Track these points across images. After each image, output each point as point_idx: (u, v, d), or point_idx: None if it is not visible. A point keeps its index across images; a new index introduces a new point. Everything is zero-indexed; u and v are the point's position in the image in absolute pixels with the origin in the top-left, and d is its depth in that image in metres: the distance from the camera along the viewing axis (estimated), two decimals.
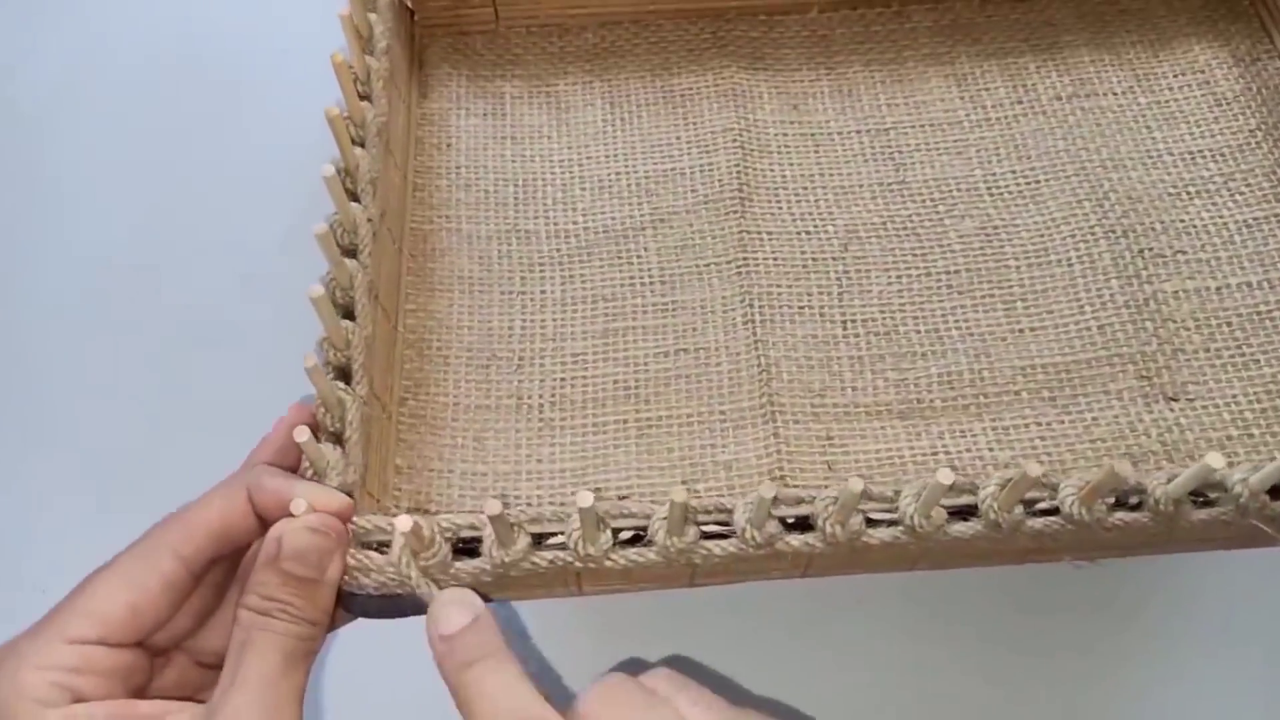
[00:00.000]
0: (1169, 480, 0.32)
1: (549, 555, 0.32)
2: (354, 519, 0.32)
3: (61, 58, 0.57)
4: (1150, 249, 0.43)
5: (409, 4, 0.48)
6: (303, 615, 0.30)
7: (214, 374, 0.47)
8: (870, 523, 0.33)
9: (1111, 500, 0.33)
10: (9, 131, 0.55)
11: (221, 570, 0.33)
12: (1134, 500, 0.33)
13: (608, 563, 0.32)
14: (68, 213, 0.53)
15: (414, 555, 0.31)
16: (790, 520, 0.33)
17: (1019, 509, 0.32)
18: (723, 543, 0.32)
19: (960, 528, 0.33)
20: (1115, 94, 0.48)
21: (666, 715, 0.28)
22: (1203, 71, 0.49)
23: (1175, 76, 0.49)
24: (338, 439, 0.34)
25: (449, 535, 0.32)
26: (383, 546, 0.32)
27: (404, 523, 0.30)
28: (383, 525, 0.32)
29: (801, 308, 0.42)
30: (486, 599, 0.34)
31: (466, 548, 0.33)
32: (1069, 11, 0.51)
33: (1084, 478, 0.32)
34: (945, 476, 0.30)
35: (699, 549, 0.32)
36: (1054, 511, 0.33)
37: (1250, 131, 0.47)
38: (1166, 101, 0.48)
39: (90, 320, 0.49)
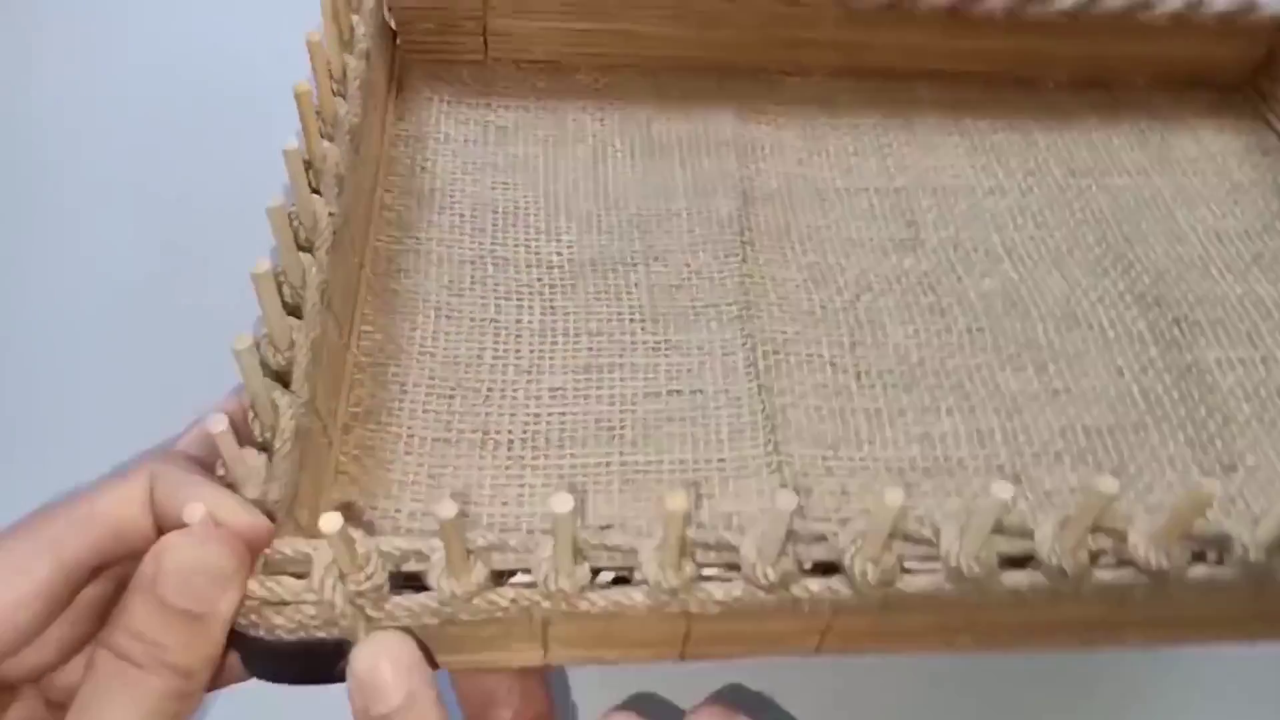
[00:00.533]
0: (1255, 524, 0.27)
1: (511, 593, 0.26)
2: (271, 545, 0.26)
3: (63, 65, 0.56)
4: (1186, 318, 0.40)
5: (393, 25, 0.45)
6: (176, 663, 0.23)
7: (215, 376, 0.42)
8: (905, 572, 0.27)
9: (1190, 554, 0.27)
10: (9, 132, 0.53)
11: (102, 588, 0.26)
12: (1215, 558, 0.28)
13: (583, 604, 0.26)
14: (67, 216, 0.51)
15: (342, 578, 0.25)
16: (807, 568, 0.27)
17: (1084, 554, 0.27)
18: (726, 585, 0.26)
19: (1016, 577, 0.27)
20: (1130, 174, 0.46)
21: None
22: (1216, 159, 0.47)
23: (1189, 162, 0.47)
24: (264, 449, 0.28)
25: (389, 561, 0.26)
26: (300, 578, 0.26)
27: (331, 521, 0.23)
28: (305, 551, 0.26)
29: (810, 356, 0.37)
30: (431, 661, 0.27)
31: (408, 585, 0.26)
32: (1074, 99, 0.49)
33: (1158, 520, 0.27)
34: (1003, 490, 0.25)
35: (697, 591, 0.26)
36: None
37: (1275, 214, 0.45)
38: (1184, 186, 0.46)
39: (90, 321, 0.47)
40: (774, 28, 0.47)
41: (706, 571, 0.27)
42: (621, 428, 0.35)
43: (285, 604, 0.25)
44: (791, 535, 0.27)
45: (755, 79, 0.48)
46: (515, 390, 0.35)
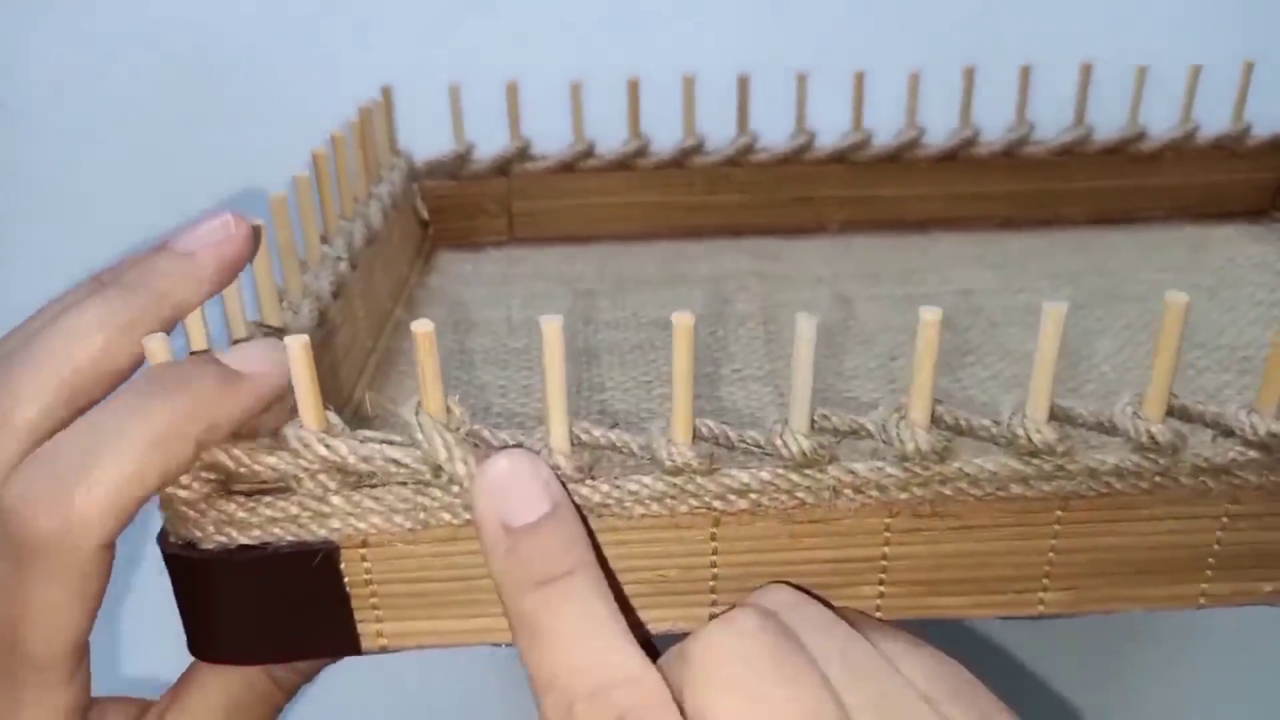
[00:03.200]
0: None
1: None
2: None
3: (60, 57, 0.52)
4: (1258, 355, 0.37)
5: (424, 214, 0.48)
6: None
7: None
8: None
9: None
10: (7, 130, 0.52)
11: None
12: None
13: (584, 489, 0.22)
14: (66, 212, 0.51)
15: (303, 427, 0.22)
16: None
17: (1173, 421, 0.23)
18: (751, 470, 0.23)
19: (1098, 458, 0.23)
20: (1165, 271, 0.45)
21: (809, 678, 0.20)
22: (1255, 257, 0.46)
23: (1227, 260, 0.46)
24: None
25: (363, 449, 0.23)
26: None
27: (296, 341, 0.21)
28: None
29: (847, 399, 0.35)
30: None
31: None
32: (1094, 232, 0.49)
33: None
34: (1057, 306, 0.22)
35: (719, 478, 0.22)
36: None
37: None
38: (1225, 276, 0.44)
39: None
40: (780, 188, 0.49)
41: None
42: None
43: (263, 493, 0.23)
44: (822, 429, 0.23)
45: (769, 236, 0.49)
46: (524, 411, 0.33)
